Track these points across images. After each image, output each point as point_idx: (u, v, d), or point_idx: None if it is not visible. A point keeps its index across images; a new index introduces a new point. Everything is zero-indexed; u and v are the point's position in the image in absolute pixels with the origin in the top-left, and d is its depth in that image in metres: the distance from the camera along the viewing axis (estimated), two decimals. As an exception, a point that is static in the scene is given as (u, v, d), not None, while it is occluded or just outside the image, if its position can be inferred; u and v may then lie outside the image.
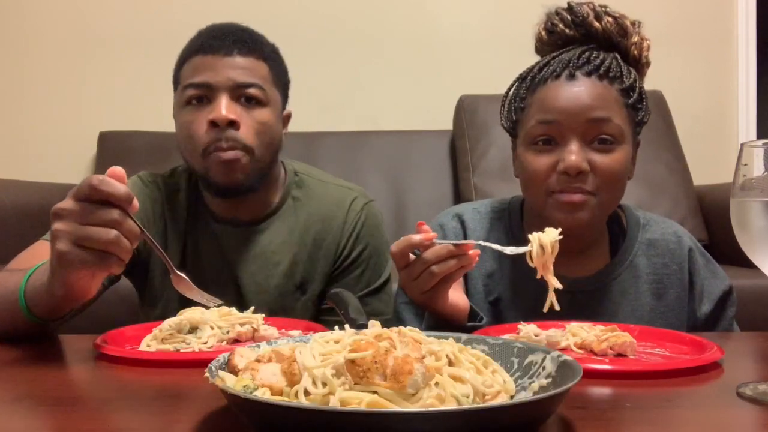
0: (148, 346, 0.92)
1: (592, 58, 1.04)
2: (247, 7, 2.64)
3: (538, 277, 0.92)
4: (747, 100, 2.85)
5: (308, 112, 2.38)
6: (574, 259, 1.09)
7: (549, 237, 0.92)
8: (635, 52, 1.07)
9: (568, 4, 1.08)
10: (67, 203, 0.82)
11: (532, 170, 1.04)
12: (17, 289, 0.93)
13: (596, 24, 1.04)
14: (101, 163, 2.61)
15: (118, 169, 0.83)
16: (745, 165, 0.70)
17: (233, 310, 1.01)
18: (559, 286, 0.91)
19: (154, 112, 2.75)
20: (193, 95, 1.20)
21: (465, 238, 1.16)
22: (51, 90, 2.79)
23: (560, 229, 0.92)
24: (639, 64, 1.08)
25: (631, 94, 1.04)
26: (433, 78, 2.80)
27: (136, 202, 0.83)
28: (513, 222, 1.17)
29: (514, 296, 1.11)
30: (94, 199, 0.81)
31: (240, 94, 1.19)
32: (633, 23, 1.07)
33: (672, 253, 1.12)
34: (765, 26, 2.90)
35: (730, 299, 1.12)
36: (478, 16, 2.81)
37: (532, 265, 0.92)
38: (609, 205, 1.06)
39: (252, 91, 1.20)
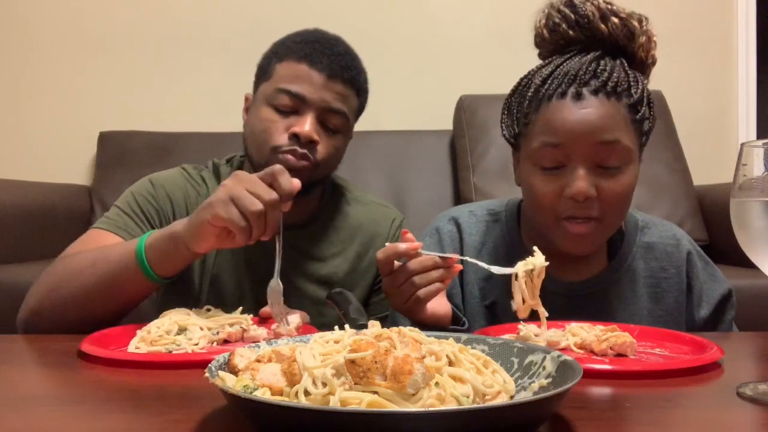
0: (137, 348, 0.91)
1: (599, 71, 0.99)
2: (246, 7, 2.66)
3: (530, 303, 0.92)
4: (747, 100, 2.85)
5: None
6: (570, 264, 1.08)
7: (536, 262, 0.91)
8: (642, 54, 1.02)
9: (571, 0, 1.01)
10: (246, 174, 0.97)
11: (538, 194, 1.01)
12: (128, 257, 1.03)
13: (602, 27, 0.99)
14: (101, 163, 2.61)
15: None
16: (745, 165, 0.70)
17: (218, 311, 1.02)
18: (546, 314, 0.91)
19: (154, 112, 2.76)
20: (285, 103, 1.20)
21: (461, 241, 1.15)
22: (51, 90, 2.79)
23: (545, 259, 0.90)
24: (645, 65, 1.04)
25: (639, 108, 1.00)
26: (433, 78, 2.80)
27: (290, 204, 0.98)
28: (509, 226, 1.15)
29: (509, 300, 1.09)
30: (266, 181, 0.96)
31: (326, 117, 1.21)
32: (640, 20, 1.01)
33: (670, 257, 1.10)
34: (765, 26, 2.90)
35: (729, 303, 1.10)
36: (478, 16, 2.81)
37: (517, 295, 0.91)
38: (614, 226, 1.05)
39: (337, 120, 1.22)
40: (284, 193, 0.96)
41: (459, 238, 1.15)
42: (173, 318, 0.96)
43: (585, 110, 0.97)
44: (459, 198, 2.49)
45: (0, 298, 1.67)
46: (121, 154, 2.57)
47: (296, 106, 1.20)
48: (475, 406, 0.54)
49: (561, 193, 0.98)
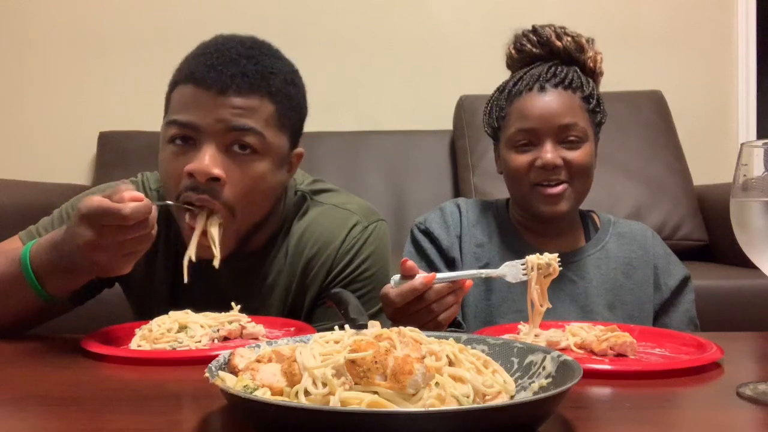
0: (139, 346, 0.92)
1: (557, 72, 1.21)
2: (246, 6, 2.66)
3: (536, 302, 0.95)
4: (747, 100, 2.84)
5: (309, 112, 2.38)
6: (552, 239, 1.25)
7: (546, 260, 0.94)
8: (591, 64, 1.25)
9: (533, 26, 1.25)
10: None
11: (515, 167, 1.21)
12: (18, 269, 0.93)
13: (558, 43, 1.22)
14: (101, 163, 2.61)
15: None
16: (745, 165, 0.71)
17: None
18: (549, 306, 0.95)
19: (154, 112, 2.73)
20: (177, 134, 1.02)
21: (460, 217, 1.28)
22: (51, 90, 2.79)
23: (557, 255, 0.95)
24: (594, 74, 1.26)
25: (591, 100, 1.22)
26: (433, 78, 2.80)
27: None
28: (500, 210, 1.32)
29: (501, 261, 1.20)
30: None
31: (232, 140, 1.02)
32: (588, 40, 1.25)
33: (639, 241, 1.29)
34: (765, 26, 2.90)
35: (689, 285, 1.27)
36: (478, 16, 2.81)
37: (532, 289, 0.94)
38: (582, 192, 1.22)
39: (249, 139, 1.02)
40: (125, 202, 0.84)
41: (458, 214, 1.30)
42: (173, 316, 0.97)
43: (548, 98, 1.20)
44: (459, 198, 2.50)
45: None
46: (121, 154, 2.57)
47: (192, 136, 1.01)
48: (475, 406, 0.54)
49: (533, 163, 1.19)
